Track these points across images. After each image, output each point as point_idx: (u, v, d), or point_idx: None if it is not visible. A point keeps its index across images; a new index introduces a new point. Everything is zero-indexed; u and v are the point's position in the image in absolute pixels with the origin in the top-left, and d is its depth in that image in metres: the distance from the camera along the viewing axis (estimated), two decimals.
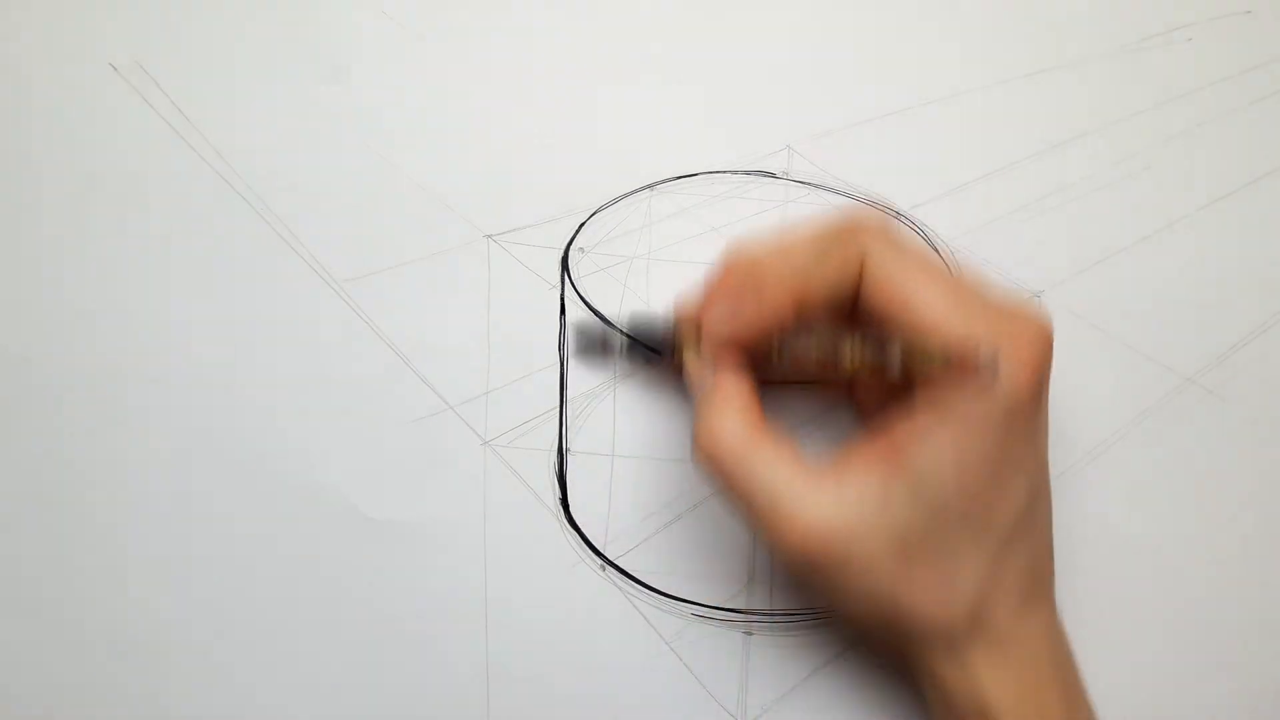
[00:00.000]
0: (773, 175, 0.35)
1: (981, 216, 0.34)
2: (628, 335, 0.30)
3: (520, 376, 0.32)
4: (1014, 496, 0.24)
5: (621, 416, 0.31)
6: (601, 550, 0.31)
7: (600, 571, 0.30)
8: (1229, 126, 0.36)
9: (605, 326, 0.31)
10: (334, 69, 0.36)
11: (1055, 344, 0.24)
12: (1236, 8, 0.37)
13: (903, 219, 0.34)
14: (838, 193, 0.34)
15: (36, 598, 0.30)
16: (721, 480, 0.25)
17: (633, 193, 0.34)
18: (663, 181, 0.34)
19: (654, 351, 0.30)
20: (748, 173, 0.35)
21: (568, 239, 0.33)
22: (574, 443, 0.31)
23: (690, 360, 0.27)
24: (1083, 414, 0.32)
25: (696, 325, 0.26)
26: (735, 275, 0.26)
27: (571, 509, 0.31)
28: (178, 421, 0.32)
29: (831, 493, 0.24)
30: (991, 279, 0.27)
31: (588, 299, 0.32)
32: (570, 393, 0.32)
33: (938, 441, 0.23)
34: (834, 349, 0.25)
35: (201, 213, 0.34)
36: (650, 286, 0.32)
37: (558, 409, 0.32)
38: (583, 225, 0.34)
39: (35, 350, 0.32)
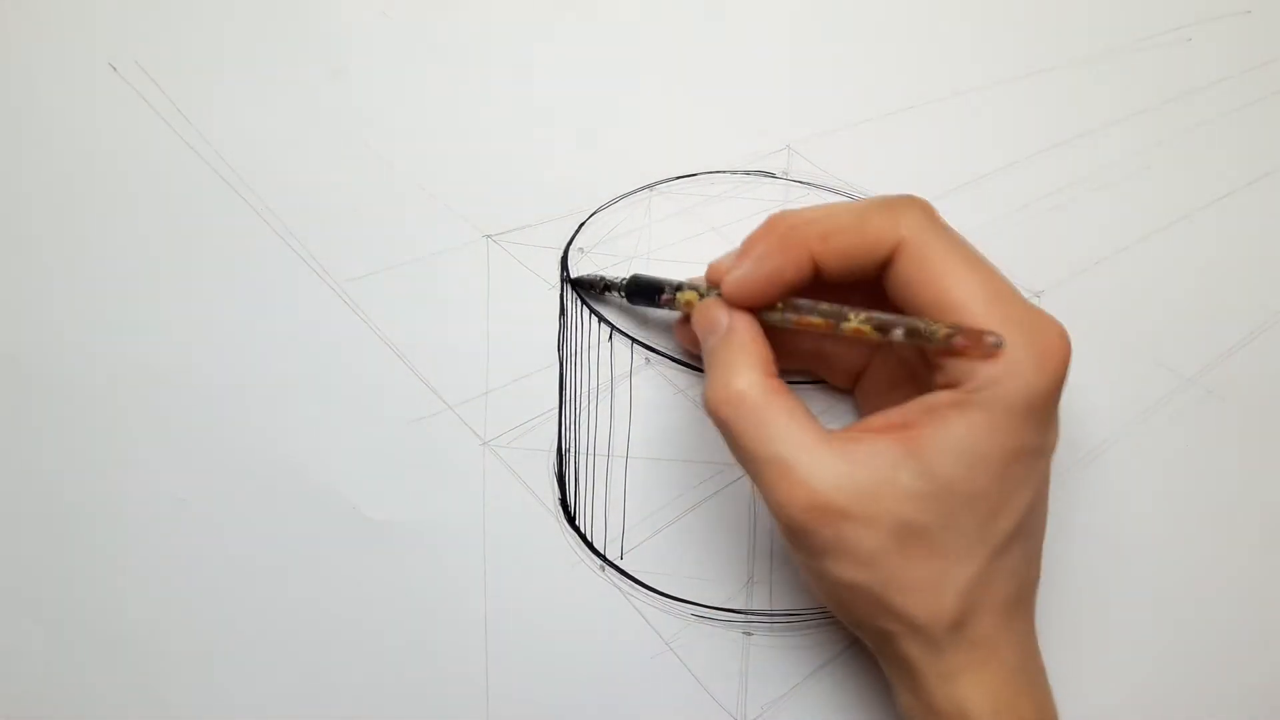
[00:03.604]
0: (773, 175, 0.35)
1: (982, 216, 0.34)
2: (630, 280, 0.29)
3: (520, 376, 0.32)
4: (1018, 498, 0.24)
5: (621, 416, 0.31)
6: (601, 550, 0.31)
7: (600, 572, 0.30)
8: (1229, 126, 0.35)
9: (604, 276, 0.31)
10: (334, 69, 0.36)
11: None
12: (1236, 8, 0.37)
13: None
14: (838, 193, 0.34)
15: (36, 598, 0.30)
16: (731, 432, 0.25)
17: (633, 193, 0.34)
18: (663, 181, 0.34)
19: (656, 295, 0.29)
20: (748, 173, 0.35)
21: (568, 239, 0.33)
22: (573, 443, 0.31)
23: (705, 307, 0.26)
24: (1083, 414, 0.32)
25: (718, 274, 0.26)
26: (769, 225, 0.26)
27: (571, 509, 0.31)
28: (177, 422, 0.32)
29: (841, 459, 0.23)
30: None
31: (588, 299, 0.32)
32: (570, 393, 0.32)
33: (953, 428, 0.23)
34: (839, 311, 0.25)
35: (201, 213, 0.34)
36: None
37: (557, 409, 0.32)
38: (583, 225, 0.34)
39: (34, 350, 0.32)
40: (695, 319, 0.27)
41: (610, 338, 0.32)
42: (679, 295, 0.27)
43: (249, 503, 0.31)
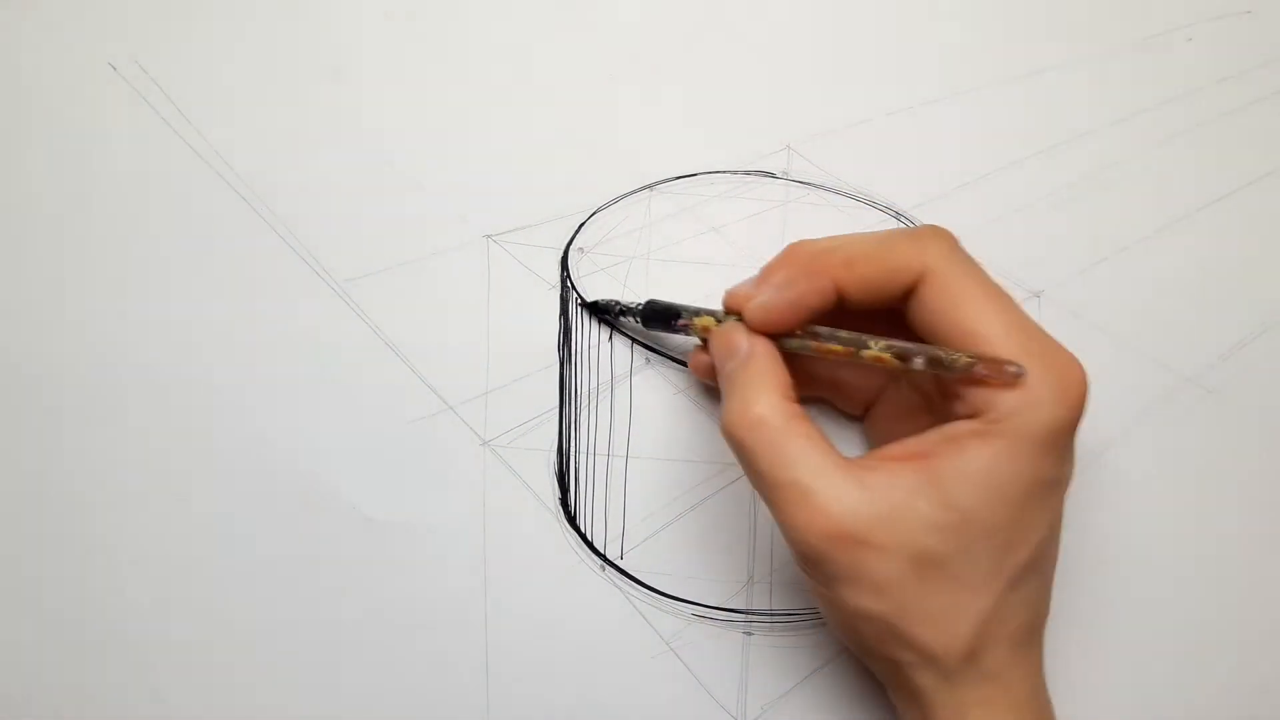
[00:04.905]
0: (772, 175, 0.35)
1: (981, 216, 0.34)
2: (646, 305, 0.29)
3: (520, 376, 0.32)
4: (1034, 531, 0.24)
5: (621, 416, 0.31)
6: (601, 550, 0.31)
7: (600, 571, 0.30)
8: (1229, 126, 0.36)
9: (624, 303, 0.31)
10: (334, 69, 0.36)
11: None
12: (1236, 8, 0.37)
13: (903, 219, 0.34)
14: (838, 193, 0.34)
15: (36, 598, 0.30)
16: (750, 456, 0.24)
17: (633, 193, 0.34)
18: (663, 181, 0.34)
19: (673, 320, 0.28)
20: (747, 173, 0.35)
21: (568, 239, 0.33)
22: (573, 443, 0.31)
23: (724, 331, 0.26)
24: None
25: (737, 300, 0.26)
26: (790, 254, 0.26)
27: (571, 509, 0.31)
28: (177, 422, 0.32)
29: (860, 486, 0.23)
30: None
31: (587, 299, 0.32)
32: (570, 393, 0.32)
33: (973, 457, 0.23)
34: (860, 338, 0.25)
35: (201, 213, 0.34)
36: (650, 286, 0.33)
37: (557, 409, 0.32)
38: (583, 225, 0.34)
39: (34, 351, 0.32)
40: (713, 344, 0.27)
41: (610, 338, 0.32)
42: (696, 320, 0.27)
43: (249, 503, 0.31)
